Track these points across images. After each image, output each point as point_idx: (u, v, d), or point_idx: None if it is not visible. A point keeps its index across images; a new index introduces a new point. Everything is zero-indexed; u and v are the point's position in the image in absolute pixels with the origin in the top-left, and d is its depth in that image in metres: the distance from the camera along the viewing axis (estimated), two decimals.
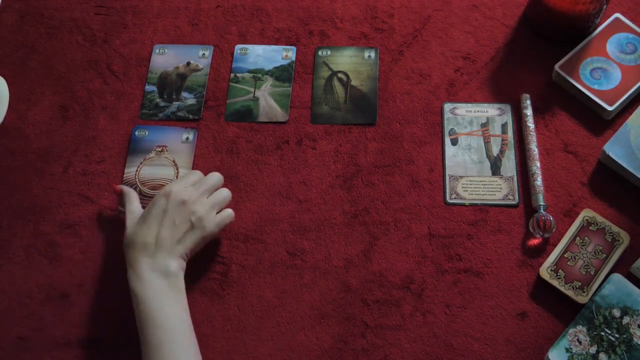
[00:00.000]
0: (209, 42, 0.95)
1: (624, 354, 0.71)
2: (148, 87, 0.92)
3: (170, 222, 0.74)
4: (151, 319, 0.69)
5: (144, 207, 0.79)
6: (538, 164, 0.82)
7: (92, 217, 0.83)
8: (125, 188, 0.81)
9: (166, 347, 0.68)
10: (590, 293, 0.75)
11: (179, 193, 0.75)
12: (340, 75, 0.91)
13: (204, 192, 0.77)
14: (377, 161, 0.85)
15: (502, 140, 0.86)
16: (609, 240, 0.78)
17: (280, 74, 0.92)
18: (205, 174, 0.81)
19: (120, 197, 0.81)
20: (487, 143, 0.86)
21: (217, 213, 0.78)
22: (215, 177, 0.80)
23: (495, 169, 0.84)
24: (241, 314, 0.78)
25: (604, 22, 0.90)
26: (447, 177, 0.84)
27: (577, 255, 0.77)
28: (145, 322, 0.69)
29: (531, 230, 0.79)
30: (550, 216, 0.79)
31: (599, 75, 0.86)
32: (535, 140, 0.84)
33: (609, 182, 0.82)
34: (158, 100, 0.91)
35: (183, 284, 0.73)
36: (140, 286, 0.70)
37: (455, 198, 0.82)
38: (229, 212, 0.79)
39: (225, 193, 0.80)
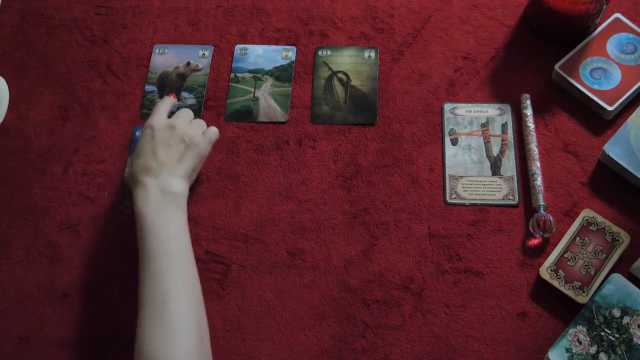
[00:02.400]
0: (209, 42, 0.95)
1: (624, 354, 0.71)
2: (148, 87, 0.92)
3: (165, 145, 0.75)
4: (152, 232, 0.69)
5: None
6: (538, 164, 0.82)
7: (92, 217, 0.83)
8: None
9: (163, 259, 0.68)
10: (590, 293, 0.75)
11: (162, 121, 0.77)
12: (340, 75, 0.91)
13: (184, 119, 0.79)
14: (377, 161, 0.85)
15: (502, 140, 0.86)
16: (609, 240, 0.78)
17: (280, 74, 0.92)
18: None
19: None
20: (487, 143, 0.86)
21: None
22: (186, 110, 0.81)
23: (495, 169, 0.84)
24: (241, 314, 0.78)
25: (604, 22, 0.90)
26: (447, 177, 0.84)
27: (577, 255, 0.77)
28: (145, 237, 0.69)
29: (531, 230, 0.79)
30: (550, 216, 0.79)
31: (599, 75, 0.86)
32: (535, 140, 0.84)
33: (609, 182, 0.82)
34: (158, 100, 0.91)
35: (185, 205, 0.74)
36: (143, 203, 0.71)
37: (455, 198, 0.82)
38: (213, 129, 0.80)
39: (200, 119, 0.81)
